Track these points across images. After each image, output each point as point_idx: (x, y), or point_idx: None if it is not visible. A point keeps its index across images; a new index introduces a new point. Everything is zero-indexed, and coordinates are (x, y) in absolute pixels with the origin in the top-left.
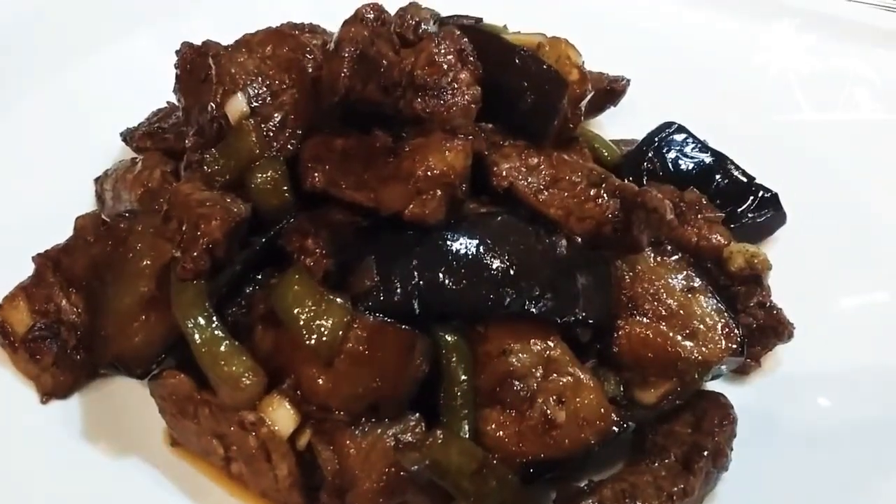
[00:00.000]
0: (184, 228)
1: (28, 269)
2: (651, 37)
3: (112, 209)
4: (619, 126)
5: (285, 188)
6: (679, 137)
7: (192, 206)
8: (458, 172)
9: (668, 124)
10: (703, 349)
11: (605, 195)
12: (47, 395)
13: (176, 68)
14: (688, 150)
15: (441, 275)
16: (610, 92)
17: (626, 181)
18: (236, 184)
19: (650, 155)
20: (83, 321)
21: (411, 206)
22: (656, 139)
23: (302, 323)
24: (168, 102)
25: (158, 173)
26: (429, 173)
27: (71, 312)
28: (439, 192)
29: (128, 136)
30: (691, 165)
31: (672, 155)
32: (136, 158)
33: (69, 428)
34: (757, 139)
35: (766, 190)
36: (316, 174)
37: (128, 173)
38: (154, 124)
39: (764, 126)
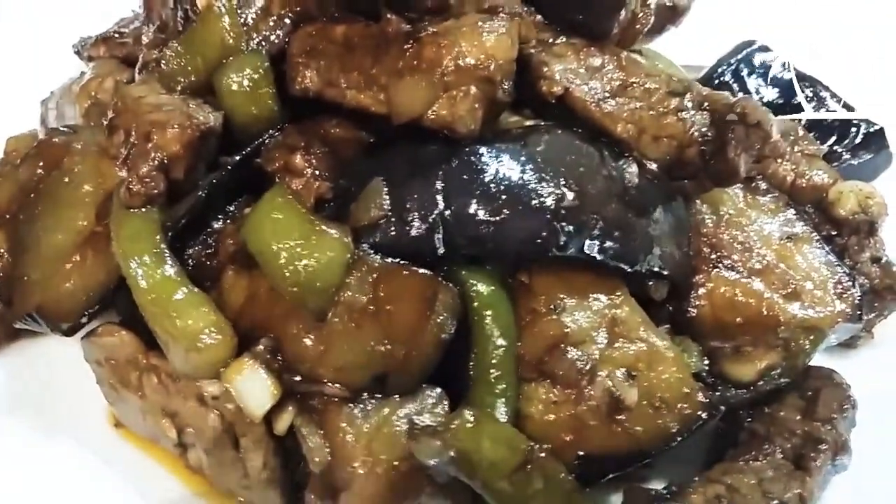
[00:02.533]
0: (132, 141)
1: None
2: None
3: None
4: (679, 53)
5: (268, 91)
6: (763, 58)
7: (143, 112)
8: (500, 64)
9: (749, 43)
10: (811, 311)
11: (689, 107)
12: None
13: None
14: (773, 73)
15: (474, 202)
16: (672, 9)
17: None
18: (205, 88)
19: (727, 78)
20: (4, 264)
21: (436, 107)
22: (734, 60)
23: (284, 262)
24: (133, 10)
25: (110, 83)
26: (460, 63)
27: None
28: (474, 90)
29: (81, 47)
30: (778, 92)
31: (754, 79)
32: (85, 69)
33: None
34: (855, 65)
35: (871, 124)
36: (308, 72)
37: (74, 86)
38: (111, 31)
39: (867, 50)
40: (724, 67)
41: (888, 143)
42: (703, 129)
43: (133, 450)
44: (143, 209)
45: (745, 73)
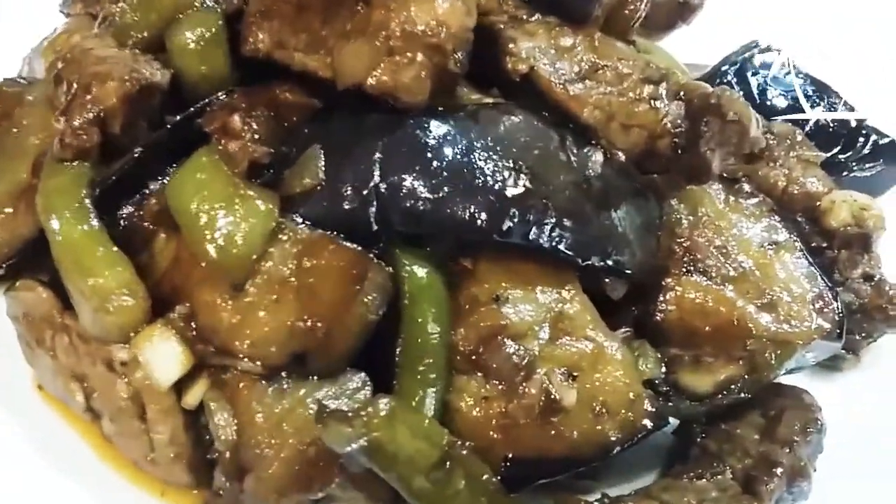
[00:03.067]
0: (72, 92)
1: None
2: None
3: None
4: (690, 51)
5: (221, 51)
6: (768, 59)
7: (87, 64)
8: (452, 32)
9: (755, 43)
10: (785, 325)
11: (664, 96)
12: None
13: None
14: (779, 75)
15: (413, 177)
16: (682, 6)
17: None
18: (158, 44)
19: (730, 78)
20: None
21: (377, 71)
22: (738, 60)
23: (203, 225)
24: None
25: (77, 38)
26: (407, 27)
27: None
28: (421, 57)
29: (63, 5)
30: (783, 96)
31: (758, 80)
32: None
33: None
34: (869, 71)
35: (881, 134)
36: (259, 33)
37: (44, 42)
38: None
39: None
40: (728, 67)
41: None
42: (677, 120)
43: (54, 413)
44: (75, 163)
45: (749, 73)
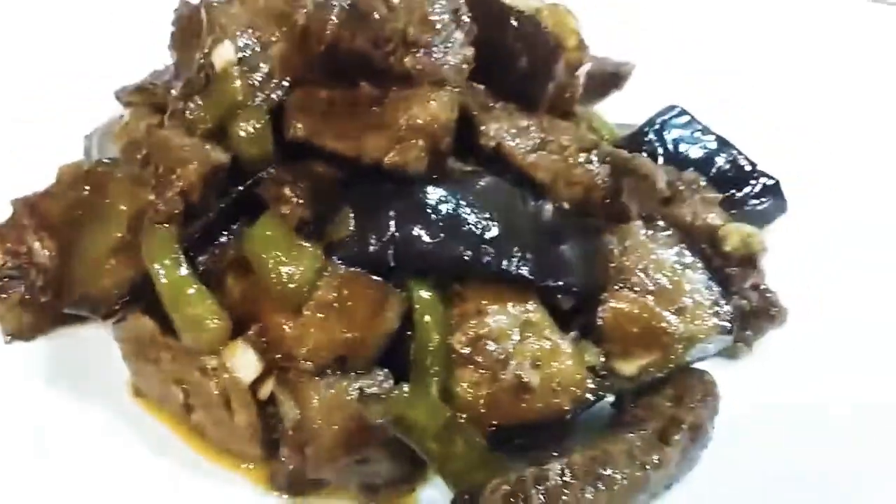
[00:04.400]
0: (160, 172)
1: (7, 214)
2: (656, 23)
3: None
4: (622, 113)
5: (267, 138)
6: (682, 120)
7: (170, 151)
8: (441, 123)
9: (672, 107)
10: (690, 325)
11: (595, 161)
12: (11, 335)
13: (173, 25)
14: (690, 133)
15: (418, 228)
16: (614, 76)
17: None
18: (219, 133)
19: (650, 137)
20: (54, 265)
21: (391, 154)
22: (658, 121)
23: (271, 267)
24: (166, 64)
25: (144, 125)
26: (411, 122)
27: (42, 255)
28: (421, 142)
29: (120, 94)
30: (693, 149)
31: (673, 137)
32: (124, 113)
33: (30, 370)
34: (760, 127)
35: (769, 177)
36: (299, 124)
37: (114, 126)
38: (145, 81)
39: (769, 114)
40: (649, 128)
41: (783, 194)
42: (605, 178)
43: (148, 415)
44: (166, 225)
45: (665, 132)
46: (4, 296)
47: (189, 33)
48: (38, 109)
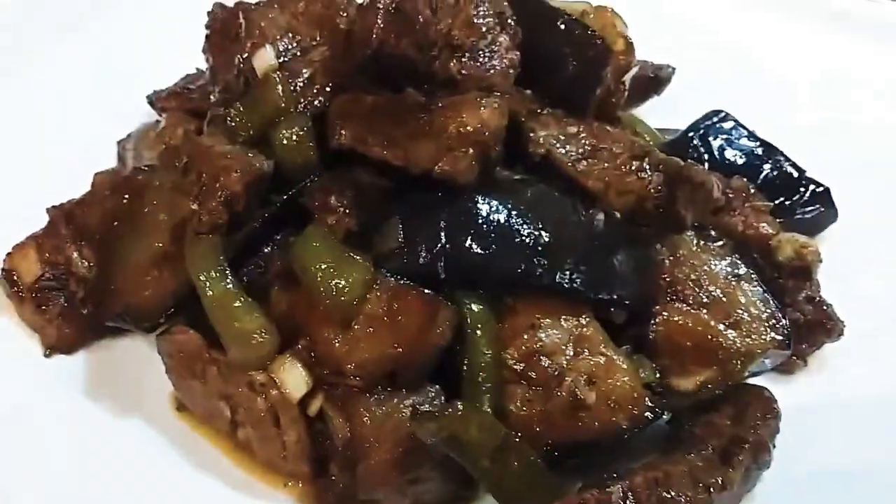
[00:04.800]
0: (202, 181)
1: (44, 223)
2: (697, 27)
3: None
4: (662, 118)
5: (310, 145)
6: (727, 125)
7: (212, 159)
8: (492, 130)
9: (716, 112)
10: (747, 340)
11: (647, 168)
12: (51, 348)
13: (207, 28)
14: (735, 139)
15: (469, 239)
16: (654, 80)
17: None
18: (260, 140)
19: (695, 142)
20: (93, 275)
21: (441, 163)
22: (702, 126)
23: (320, 280)
24: (197, 69)
25: (181, 131)
26: (461, 130)
27: (81, 265)
28: (471, 150)
29: (154, 99)
30: (739, 155)
31: (718, 143)
32: (160, 119)
33: (71, 384)
34: (808, 133)
35: (818, 184)
36: (343, 130)
37: (150, 132)
38: (180, 86)
39: (816, 120)
40: (693, 133)
41: (833, 202)
42: (659, 187)
43: (191, 430)
44: (210, 235)
45: (710, 138)
46: (44, 307)
47: (224, 37)
48: (69, 114)
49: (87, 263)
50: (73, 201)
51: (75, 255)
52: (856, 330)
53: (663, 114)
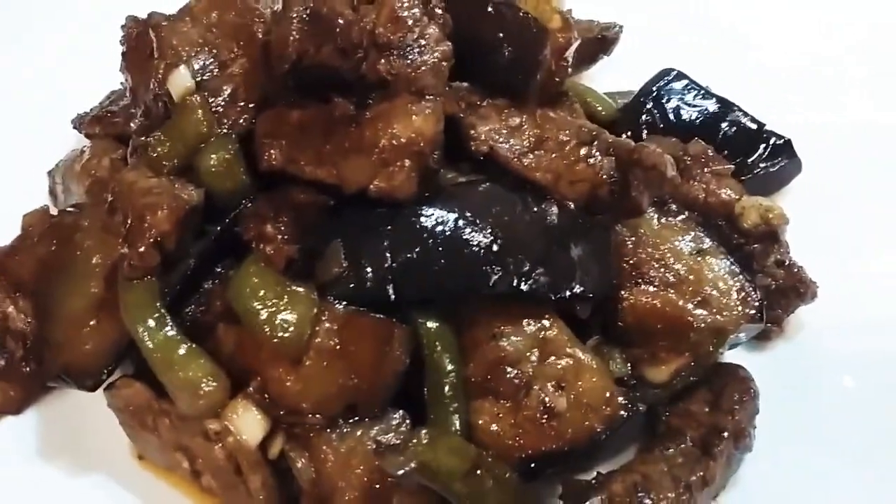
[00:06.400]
0: (129, 221)
1: None
2: None
3: (64, 204)
4: (613, 78)
5: (240, 169)
6: (679, 85)
7: (136, 196)
8: (428, 139)
9: (667, 71)
10: (718, 316)
11: (597, 154)
12: None
13: (121, 45)
14: (690, 98)
15: (416, 254)
16: (602, 40)
17: (622, 137)
18: (187, 168)
19: (649, 106)
20: (32, 329)
21: (377, 180)
22: (654, 88)
23: (263, 318)
24: (122, 84)
25: (107, 161)
26: (394, 142)
27: (18, 320)
28: (408, 163)
29: (79, 123)
30: (695, 114)
31: (673, 104)
32: (85, 147)
33: (26, 446)
34: (764, 85)
35: (778, 136)
36: (272, 151)
37: (76, 163)
38: (104, 108)
39: (770, 71)
40: (646, 97)
41: (796, 152)
42: (611, 172)
43: (153, 478)
44: (144, 279)
45: (664, 99)
46: None
47: (140, 54)
48: None
49: (23, 317)
50: (4, 249)
51: (11, 309)
52: (829, 287)
53: (614, 75)
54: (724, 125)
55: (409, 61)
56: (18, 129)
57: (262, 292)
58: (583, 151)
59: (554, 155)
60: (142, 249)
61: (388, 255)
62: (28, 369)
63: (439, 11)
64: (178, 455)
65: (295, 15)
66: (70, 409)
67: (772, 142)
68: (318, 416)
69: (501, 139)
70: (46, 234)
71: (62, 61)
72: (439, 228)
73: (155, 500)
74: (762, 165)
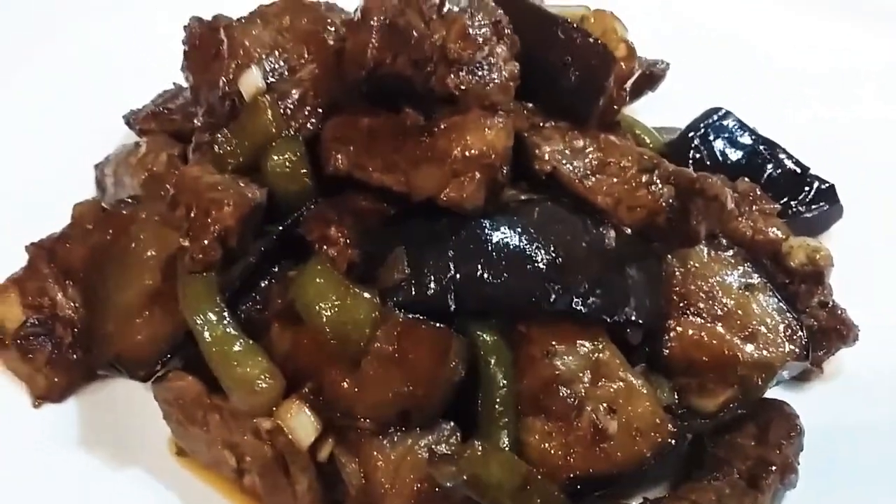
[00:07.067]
0: (192, 215)
1: (22, 261)
2: (689, 21)
3: (113, 196)
4: (656, 114)
5: (304, 171)
6: (727, 123)
7: (201, 191)
8: (499, 153)
9: (715, 110)
10: (765, 352)
11: (658, 182)
12: (40, 398)
13: (184, 45)
14: (737, 137)
15: (479, 267)
16: (649, 76)
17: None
18: (250, 167)
19: (696, 143)
20: (80, 317)
21: (447, 189)
22: (702, 125)
23: (325, 320)
24: (175, 84)
25: (164, 157)
26: (467, 153)
27: (67, 307)
28: (479, 175)
29: (131, 119)
30: (741, 154)
31: (720, 143)
32: (140, 142)
33: (64, 435)
34: (809, 128)
35: (822, 181)
36: (339, 155)
37: (130, 157)
38: (160, 105)
39: (816, 114)
40: (693, 133)
41: (838, 198)
42: (670, 200)
43: (193, 476)
44: (204, 274)
45: (711, 137)
46: (31, 355)
47: (204, 54)
48: (40, 136)
49: (73, 305)
50: (54, 237)
51: (60, 296)
52: (869, 332)
53: (658, 110)
54: (769, 166)
55: (477, 78)
56: (65, 122)
57: (326, 293)
58: (644, 178)
59: (615, 179)
60: (205, 243)
61: (451, 265)
62: (74, 357)
63: (508, 31)
64: (225, 452)
65: (374, 24)
66: (108, 400)
67: (815, 186)
68: (370, 421)
69: (565, 160)
70: (100, 224)
71: (109, 58)
72: (503, 242)
73: (193, 496)
74: (804, 208)
